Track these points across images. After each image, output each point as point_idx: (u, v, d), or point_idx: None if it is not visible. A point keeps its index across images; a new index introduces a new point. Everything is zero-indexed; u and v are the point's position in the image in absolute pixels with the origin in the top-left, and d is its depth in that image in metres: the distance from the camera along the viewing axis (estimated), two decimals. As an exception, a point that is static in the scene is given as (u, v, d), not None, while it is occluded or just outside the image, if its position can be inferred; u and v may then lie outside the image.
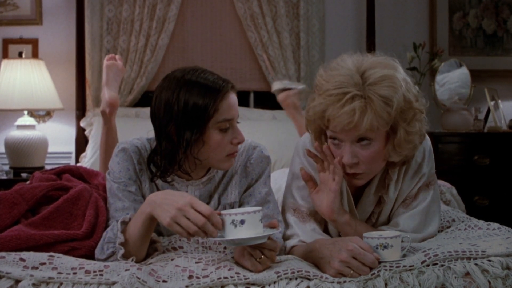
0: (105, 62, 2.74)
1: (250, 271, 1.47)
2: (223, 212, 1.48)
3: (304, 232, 1.77)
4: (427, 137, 1.83)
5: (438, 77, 4.10)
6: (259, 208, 1.49)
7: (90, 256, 1.61)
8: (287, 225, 1.82)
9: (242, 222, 1.45)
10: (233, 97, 1.70)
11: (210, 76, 1.69)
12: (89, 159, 3.47)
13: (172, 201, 1.47)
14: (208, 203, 1.80)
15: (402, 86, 1.62)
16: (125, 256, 1.56)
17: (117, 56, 2.76)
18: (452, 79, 4.13)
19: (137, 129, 3.43)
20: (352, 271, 1.46)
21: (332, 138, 1.68)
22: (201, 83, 1.67)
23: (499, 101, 4.15)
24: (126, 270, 1.45)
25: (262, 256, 1.47)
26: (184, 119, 1.64)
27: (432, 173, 1.82)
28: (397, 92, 1.60)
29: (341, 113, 1.59)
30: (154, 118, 1.71)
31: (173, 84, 1.67)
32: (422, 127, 1.69)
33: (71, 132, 3.89)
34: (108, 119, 2.64)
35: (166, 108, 1.66)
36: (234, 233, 1.45)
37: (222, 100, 1.66)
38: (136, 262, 1.55)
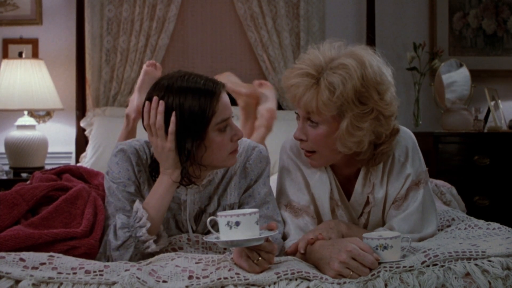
0: (144, 67, 2.71)
1: (249, 272, 1.47)
2: (219, 213, 1.48)
3: (296, 227, 1.79)
4: (411, 135, 1.83)
5: (444, 77, 4.09)
6: (255, 210, 1.48)
7: (90, 254, 1.62)
8: (283, 221, 1.83)
9: (237, 223, 1.45)
10: (225, 96, 1.70)
11: (198, 79, 1.67)
12: (89, 159, 3.48)
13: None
14: (207, 205, 1.80)
15: (355, 79, 1.63)
16: (150, 232, 1.63)
17: (157, 64, 2.74)
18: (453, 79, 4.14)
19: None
20: (351, 272, 1.46)
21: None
22: (192, 88, 1.64)
23: (499, 101, 4.15)
24: (126, 270, 1.45)
25: (259, 258, 1.47)
26: (182, 127, 1.63)
27: (420, 171, 1.81)
28: (345, 83, 1.64)
29: (290, 84, 1.71)
30: None
31: (163, 93, 1.64)
32: (378, 128, 1.69)
33: (71, 132, 3.90)
34: (131, 123, 2.64)
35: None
36: (229, 235, 1.45)
37: (217, 103, 1.65)
38: (154, 241, 1.65)
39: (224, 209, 1.78)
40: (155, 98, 1.64)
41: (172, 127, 1.61)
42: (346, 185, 1.84)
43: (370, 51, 1.73)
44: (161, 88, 1.66)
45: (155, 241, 1.65)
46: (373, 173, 1.79)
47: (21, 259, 1.46)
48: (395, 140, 1.76)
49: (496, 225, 1.81)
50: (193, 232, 1.79)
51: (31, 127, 3.67)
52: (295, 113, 1.78)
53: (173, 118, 1.61)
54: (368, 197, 1.81)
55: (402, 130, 1.80)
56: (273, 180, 1.93)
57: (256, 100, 2.72)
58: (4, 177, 3.57)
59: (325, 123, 1.69)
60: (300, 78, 1.68)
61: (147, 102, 1.66)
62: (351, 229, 1.74)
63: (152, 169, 1.73)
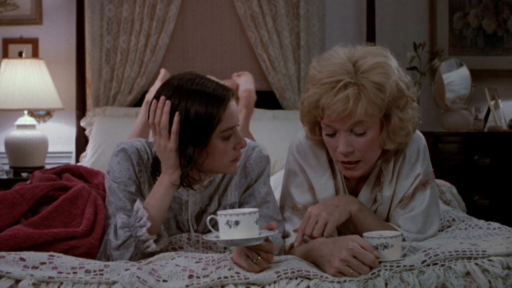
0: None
1: (248, 271, 1.47)
2: (219, 212, 1.48)
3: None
4: (422, 136, 1.84)
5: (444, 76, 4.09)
6: (255, 209, 1.48)
7: (90, 254, 1.61)
8: (286, 222, 1.83)
9: (237, 223, 1.45)
10: (233, 105, 1.67)
11: (209, 83, 1.65)
12: (89, 159, 3.47)
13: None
14: (208, 205, 1.80)
15: (394, 73, 1.65)
16: (150, 232, 1.62)
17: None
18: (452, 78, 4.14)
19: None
20: (352, 270, 1.46)
21: (327, 126, 1.69)
22: (201, 92, 1.62)
23: (499, 100, 4.15)
24: (126, 269, 1.45)
25: (259, 258, 1.47)
26: (186, 131, 1.61)
27: (428, 172, 1.82)
28: (389, 78, 1.63)
29: (335, 101, 1.61)
30: None
31: (171, 93, 1.63)
32: (414, 114, 1.72)
33: (71, 132, 3.89)
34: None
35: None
36: (229, 234, 1.45)
37: (225, 110, 1.63)
38: (155, 241, 1.64)
39: (225, 209, 1.78)
40: (162, 98, 1.62)
41: (175, 127, 1.60)
42: (353, 186, 1.84)
43: (374, 46, 1.74)
44: (169, 88, 1.64)
45: (156, 241, 1.65)
46: (384, 172, 1.79)
47: (21, 259, 1.46)
48: (411, 137, 1.77)
49: (496, 224, 1.82)
50: (194, 232, 1.79)
51: (31, 126, 3.67)
52: (327, 132, 1.70)
53: (176, 119, 1.60)
54: (376, 195, 1.81)
55: (415, 132, 1.81)
56: (274, 179, 1.93)
57: (235, 89, 2.92)
58: (4, 176, 3.57)
59: (372, 128, 1.66)
60: (343, 91, 1.61)
61: (154, 101, 1.64)
62: (363, 211, 1.72)
63: (153, 168, 1.73)
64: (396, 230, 1.74)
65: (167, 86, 1.66)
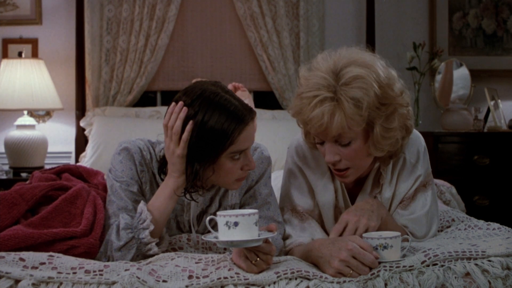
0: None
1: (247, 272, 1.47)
2: (219, 213, 1.48)
3: (302, 229, 1.79)
4: (421, 137, 1.83)
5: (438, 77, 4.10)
6: (254, 211, 1.48)
7: (90, 254, 1.61)
8: (286, 224, 1.82)
9: (236, 224, 1.44)
10: (252, 127, 1.64)
11: (232, 100, 1.61)
12: (89, 159, 3.47)
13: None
14: (209, 206, 1.80)
15: (374, 86, 1.61)
16: (153, 235, 1.61)
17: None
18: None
19: (137, 129, 3.45)
20: (351, 271, 1.46)
21: (315, 136, 1.70)
22: (221, 107, 1.58)
23: (499, 101, 4.16)
24: (126, 270, 1.45)
25: (258, 259, 1.47)
26: (197, 143, 1.59)
27: (428, 173, 1.82)
28: (367, 93, 1.60)
29: (311, 116, 1.61)
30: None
31: (191, 101, 1.60)
32: (405, 121, 1.69)
33: (71, 132, 3.90)
34: None
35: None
36: (228, 235, 1.45)
37: (240, 133, 1.60)
38: (156, 243, 1.63)
39: (225, 210, 1.77)
40: (180, 103, 1.60)
41: (186, 135, 1.58)
42: (352, 188, 1.84)
43: (363, 50, 1.71)
44: (191, 95, 1.61)
45: (157, 244, 1.65)
46: (382, 174, 1.79)
47: (21, 259, 1.46)
48: (407, 140, 1.75)
49: (496, 225, 1.82)
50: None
51: (31, 127, 3.67)
52: (315, 142, 1.71)
53: (189, 127, 1.58)
54: (375, 197, 1.81)
55: (414, 133, 1.80)
56: (273, 179, 1.92)
57: None
58: (4, 177, 3.57)
59: (357, 139, 1.65)
60: (319, 107, 1.60)
61: (173, 103, 1.62)
62: (388, 216, 1.72)
63: (160, 166, 1.72)
64: (406, 232, 1.75)
65: (189, 92, 1.62)
